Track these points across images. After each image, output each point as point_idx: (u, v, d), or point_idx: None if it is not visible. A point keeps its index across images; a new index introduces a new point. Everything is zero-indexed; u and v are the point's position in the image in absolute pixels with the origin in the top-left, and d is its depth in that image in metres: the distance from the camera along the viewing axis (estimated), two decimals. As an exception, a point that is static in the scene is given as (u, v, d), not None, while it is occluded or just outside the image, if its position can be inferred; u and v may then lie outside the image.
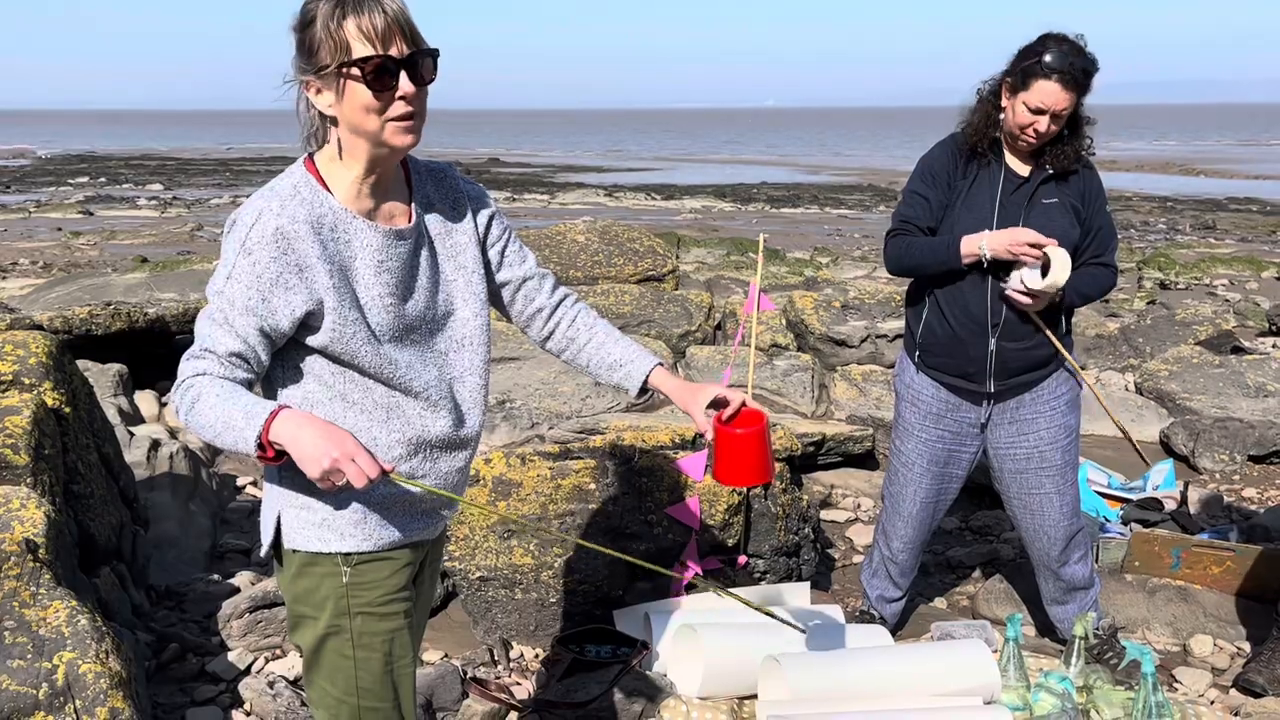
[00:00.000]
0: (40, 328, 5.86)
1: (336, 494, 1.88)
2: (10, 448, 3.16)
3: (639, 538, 3.56)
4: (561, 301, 2.21)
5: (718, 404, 2.12)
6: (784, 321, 7.58)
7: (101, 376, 5.63)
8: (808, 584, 3.69)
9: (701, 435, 2.14)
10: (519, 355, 6.26)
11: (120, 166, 43.29)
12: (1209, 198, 29.66)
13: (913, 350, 3.42)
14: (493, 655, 3.48)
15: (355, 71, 1.76)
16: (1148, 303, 12.20)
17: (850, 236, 21.43)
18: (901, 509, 3.52)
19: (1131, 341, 8.03)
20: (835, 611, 3.52)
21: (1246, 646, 3.73)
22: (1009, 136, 3.20)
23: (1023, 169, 3.24)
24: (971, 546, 4.62)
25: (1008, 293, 3.17)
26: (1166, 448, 5.89)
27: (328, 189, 1.86)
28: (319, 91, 1.81)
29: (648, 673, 3.08)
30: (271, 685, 3.20)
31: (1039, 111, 3.07)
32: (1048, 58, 3.03)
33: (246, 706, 3.20)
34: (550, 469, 3.62)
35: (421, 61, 1.80)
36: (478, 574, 3.55)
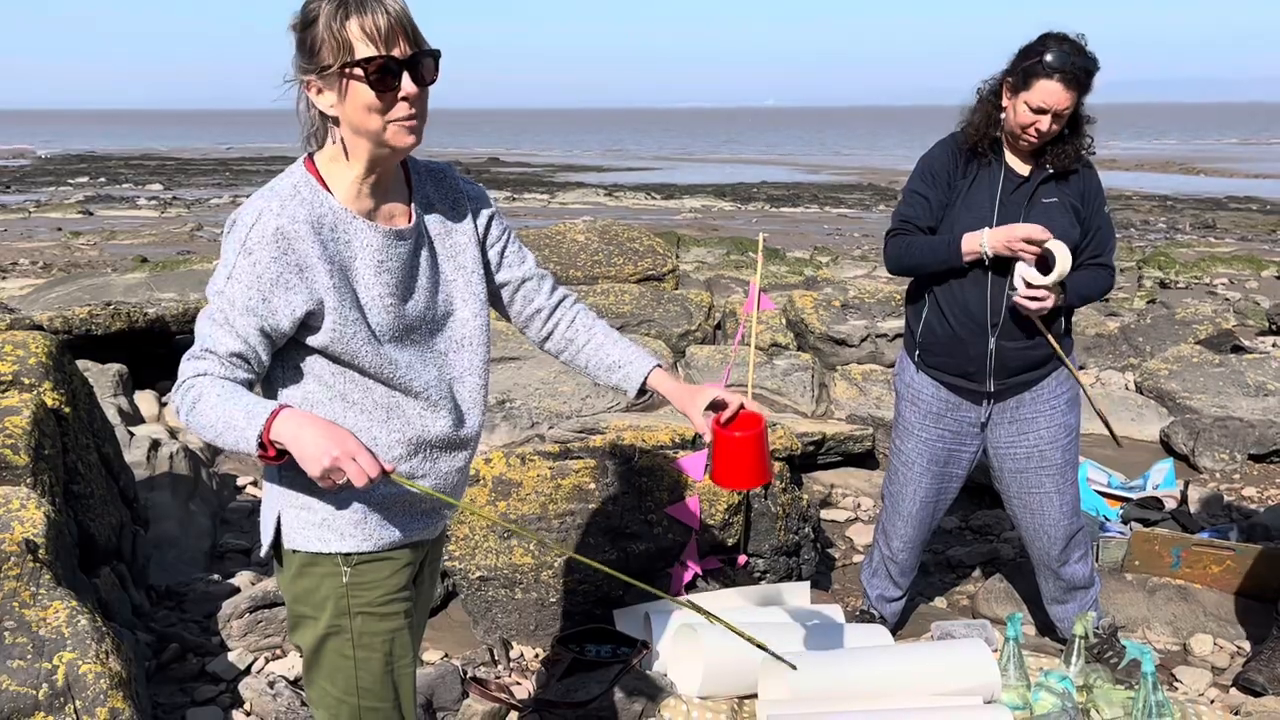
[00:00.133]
0: (40, 328, 5.86)
1: (337, 494, 1.88)
2: (10, 448, 3.16)
3: (639, 537, 3.56)
4: (560, 302, 2.21)
5: (716, 406, 2.12)
6: (784, 321, 7.58)
7: (101, 376, 5.63)
8: (808, 583, 3.69)
9: (701, 436, 2.14)
10: (519, 355, 6.26)
11: (120, 166, 43.28)
12: (1209, 196, 29.66)
13: (912, 349, 3.42)
14: (493, 655, 3.48)
15: (358, 72, 1.76)
16: (1148, 302, 12.20)
17: (850, 236, 21.43)
18: (901, 508, 3.52)
19: (1131, 341, 8.03)
20: (835, 611, 3.51)
21: (1246, 645, 3.73)
22: (1010, 136, 3.20)
23: (1023, 168, 3.24)
24: (971, 546, 4.62)
25: (1016, 300, 3.15)
26: (1166, 447, 5.89)
27: (328, 189, 1.86)
28: (320, 91, 1.81)
29: (648, 672, 3.08)
30: (272, 685, 3.20)
31: (1041, 111, 3.07)
32: (1049, 57, 3.03)
33: (246, 706, 3.20)
34: (550, 469, 3.62)
35: (423, 62, 1.80)
36: (478, 574, 3.55)
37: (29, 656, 2.62)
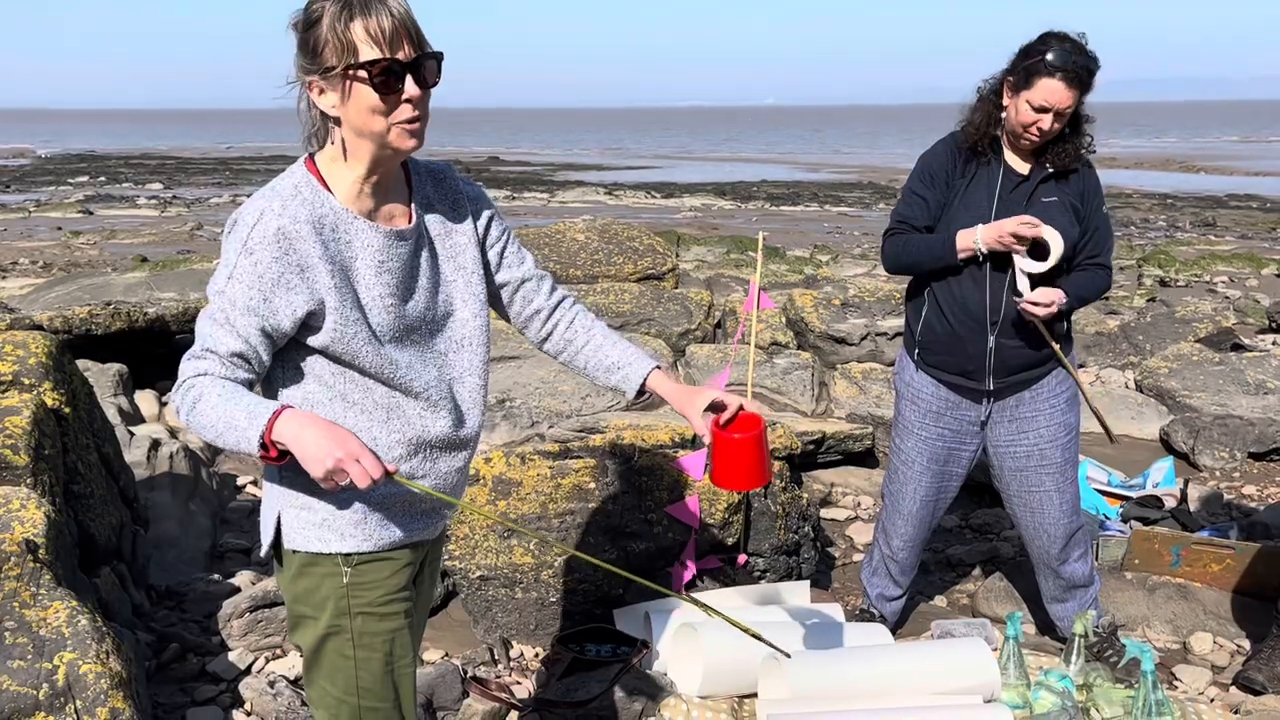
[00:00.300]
0: (40, 328, 5.86)
1: (338, 494, 1.88)
2: (10, 448, 3.16)
3: (639, 537, 3.56)
4: (560, 303, 2.22)
5: (715, 407, 2.12)
6: (784, 319, 7.58)
7: (101, 376, 5.63)
8: (807, 582, 3.70)
9: (700, 436, 2.13)
10: (519, 355, 6.26)
11: (120, 166, 43.28)
12: (1209, 195, 29.65)
13: (912, 348, 3.42)
14: (493, 654, 3.48)
15: (362, 74, 1.76)
16: (1148, 300, 12.20)
17: (850, 234, 21.43)
18: (901, 507, 3.52)
19: (1131, 339, 8.03)
20: (835, 610, 3.52)
21: (1246, 644, 3.73)
22: (1011, 135, 3.20)
23: (1023, 167, 3.24)
24: (971, 544, 4.62)
25: (1021, 306, 3.15)
26: (1166, 445, 5.89)
27: (328, 189, 1.86)
28: (322, 92, 1.81)
29: (648, 671, 3.08)
30: (272, 685, 3.20)
31: (1042, 110, 3.07)
32: (1050, 56, 3.03)
33: (247, 706, 3.20)
34: (550, 468, 3.62)
35: (427, 65, 1.80)
36: (478, 573, 3.55)
37: (29, 656, 2.62)
